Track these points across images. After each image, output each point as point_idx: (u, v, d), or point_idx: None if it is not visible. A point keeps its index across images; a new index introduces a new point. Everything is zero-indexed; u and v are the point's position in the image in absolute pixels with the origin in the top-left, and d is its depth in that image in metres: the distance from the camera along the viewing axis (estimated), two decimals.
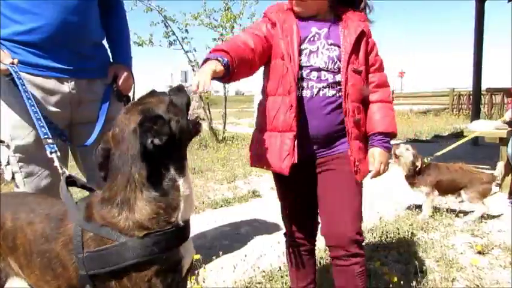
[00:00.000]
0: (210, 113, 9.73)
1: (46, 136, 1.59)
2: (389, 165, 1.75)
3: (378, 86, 1.75)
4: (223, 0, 9.00)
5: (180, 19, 9.07)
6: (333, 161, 1.72)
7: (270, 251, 2.86)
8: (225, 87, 9.81)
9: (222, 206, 4.31)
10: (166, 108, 1.20)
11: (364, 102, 1.75)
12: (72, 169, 2.14)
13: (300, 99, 1.65)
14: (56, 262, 1.22)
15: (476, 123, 4.99)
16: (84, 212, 1.23)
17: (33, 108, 1.64)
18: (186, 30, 9.12)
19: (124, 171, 1.18)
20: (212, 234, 3.44)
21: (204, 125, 10.13)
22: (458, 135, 9.21)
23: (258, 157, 1.76)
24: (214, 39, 9.32)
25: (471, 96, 10.57)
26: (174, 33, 9.09)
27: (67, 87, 1.88)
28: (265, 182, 5.27)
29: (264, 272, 2.56)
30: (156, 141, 1.11)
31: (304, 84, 1.66)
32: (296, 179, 1.74)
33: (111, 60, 2.12)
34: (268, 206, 4.19)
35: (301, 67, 1.66)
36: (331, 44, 1.68)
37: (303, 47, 1.68)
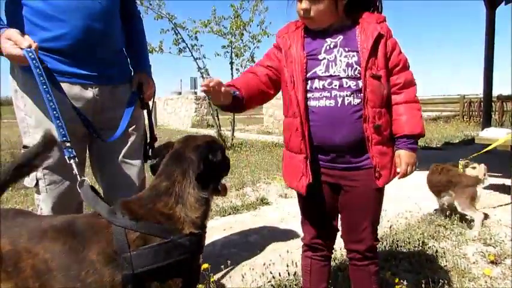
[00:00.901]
0: (218, 119, 9.75)
1: (64, 139, 1.57)
2: (416, 166, 1.75)
3: (403, 87, 1.71)
4: (232, 8, 9.04)
5: (190, 26, 9.14)
6: (359, 175, 1.73)
7: (278, 260, 2.83)
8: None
9: (230, 214, 4.29)
10: (222, 149, 1.52)
11: (388, 105, 1.72)
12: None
13: (324, 109, 1.67)
14: (89, 270, 1.21)
15: (488, 131, 4.93)
16: (125, 214, 1.28)
17: (51, 104, 1.60)
18: (196, 38, 9.19)
19: (182, 167, 1.37)
20: (220, 242, 3.42)
21: (213, 132, 10.15)
22: (470, 142, 9.13)
23: (284, 174, 1.89)
24: (224, 46, 9.39)
25: (482, 104, 10.47)
26: (183, 41, 9.15)
27: (91, 93, 1.89)
28: (273, 189, 5.25)
29: (273, 279, 2.54)
30: (213, 158, 1.40)
31: (327, 94, 1.67)
32: (318, 187, 1.80)
33: (132, 67, 2.16)
34: (277, 214, 4.18)
35: (321, 77, 1.67)
36: (348, 51, 1.66)
37: (320, 57, 1.69)
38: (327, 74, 1.67)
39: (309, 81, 1.70)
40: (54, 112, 1.60)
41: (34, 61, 1.61)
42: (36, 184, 1.85)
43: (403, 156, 1.71)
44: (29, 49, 1.63)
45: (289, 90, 1.72)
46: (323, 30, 1.72)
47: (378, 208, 1.82)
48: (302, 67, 1.69)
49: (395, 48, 1.70)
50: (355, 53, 1.65)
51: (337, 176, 1.76)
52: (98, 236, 1.25)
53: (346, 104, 1.65)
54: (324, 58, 1.68)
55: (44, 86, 1.62)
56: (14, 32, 1.65)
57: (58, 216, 1.39)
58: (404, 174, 1.74)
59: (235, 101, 1.71)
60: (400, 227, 3.52)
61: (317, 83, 1.68)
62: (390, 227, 3.31)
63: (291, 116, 1.73)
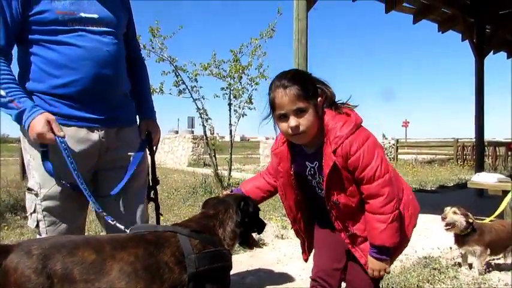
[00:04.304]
0: (215, 159, 9.81)
1: (100, 211, 1.83)
2: (385, 271, 1.81)
3: (367, 198, 1.75)
4: (232, 52, 9.31)
5: (190, 69, 9.34)
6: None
7: None
8: (231, 134, 9.97)
9: None
10: (255, 206, 1.96)
11: (363, 209, 1.80)
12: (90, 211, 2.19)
13: (319, 196, 1.91)
14: (165, 269, 1.52)
15: (479, 176, 5.03)
16: (185, 228, 1.67)
17: (84, 187, 1.80)
18: (196, 80, 9.35)
19: (225, 206, 1.83)
20: None
21: (210, 171, 10.16)
22: (464, 186, 9.21)
23: None
24: (223, 88, 9.57)
25: (474, 148, 10.63)
26: (183, 82, 9.33)
27: (97, 135, 1.96)
28: (270, 229, 5.24)
29: None
30: (246, 207, 1.84)
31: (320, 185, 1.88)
32: (327, 236, 2.01)
33: (138, 112, 2.24)
34: (274, 255, 4.17)
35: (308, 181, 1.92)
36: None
37: (306, 174, 1.90)
38: (314, 183, 1.91)
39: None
40: (87, 192, 1.82)
41: (66, 151, 1.80)
42: (37, 225, 1.92)
43: (369, 262, 1.82)
44: (62, 139, 1.80)
45: (282, 200, 2.02)
46: (300, 153, 1.87)
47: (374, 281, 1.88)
48: (289, 180, 1.92)
49: (357, 167, 1.69)
50: None
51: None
52: (168, 243, 1.58)
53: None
54: (308, 175, 1.90)
55: (72, 164, 1.81)
56: (54, 119, 1.80)
57: (119, 234, 1.68)
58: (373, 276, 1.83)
59: None
60: (396, 270, 3.54)
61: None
62: None
63: (290, 219, 2.10)
